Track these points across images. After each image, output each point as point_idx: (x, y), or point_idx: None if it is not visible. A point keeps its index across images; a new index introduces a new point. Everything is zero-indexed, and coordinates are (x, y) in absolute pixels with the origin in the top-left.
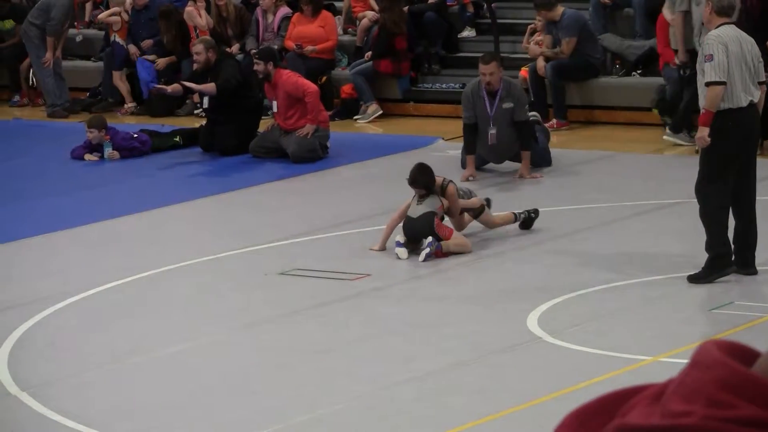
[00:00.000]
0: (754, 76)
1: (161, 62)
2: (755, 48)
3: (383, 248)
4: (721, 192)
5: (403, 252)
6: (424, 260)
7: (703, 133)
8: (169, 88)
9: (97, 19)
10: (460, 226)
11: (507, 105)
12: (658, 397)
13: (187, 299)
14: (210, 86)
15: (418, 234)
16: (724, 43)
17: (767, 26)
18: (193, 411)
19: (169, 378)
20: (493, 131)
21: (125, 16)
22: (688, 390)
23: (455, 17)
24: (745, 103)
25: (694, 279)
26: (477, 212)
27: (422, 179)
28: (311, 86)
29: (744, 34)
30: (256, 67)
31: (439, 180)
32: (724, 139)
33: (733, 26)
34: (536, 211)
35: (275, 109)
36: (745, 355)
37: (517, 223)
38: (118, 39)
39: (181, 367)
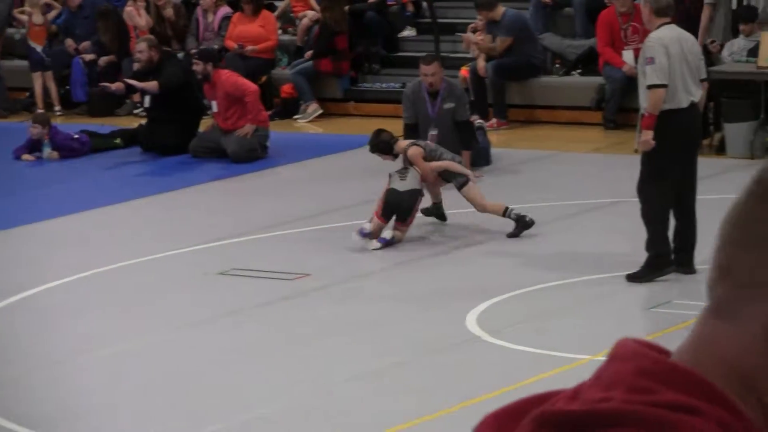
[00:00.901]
0: (696, 75)
1: (103, 60)
2: (696, 46)
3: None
4: (662, 192)
5: (373, 244)
6: (377, 248)
7: (647, 136)
8: (113, 86)
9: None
10: (435, 194)
11: (448, 105)
12: (576, 394)
13: (127, 300)
14: (152, 84)
15: (400, 209)
16: (664, 45)
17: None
18: (135, 411)
19: (111, 378)
20: (434, 132)
21: (38, 19)
22: (608, 380)
23: (396, 17)
24: (686, 104)
25: (633, 278)
26: (460, 183)
27: (374, 141)
28: (251, 86)
29: (685, 33)
30: (195, 68)
31: (403, 144)
32: (665, 139)
33: (673, 26)
34: (532, 220)
35: (215, 109)
36: (660, 351)
37: (509, 220)
38: (30, 42)
39: (123, 367)
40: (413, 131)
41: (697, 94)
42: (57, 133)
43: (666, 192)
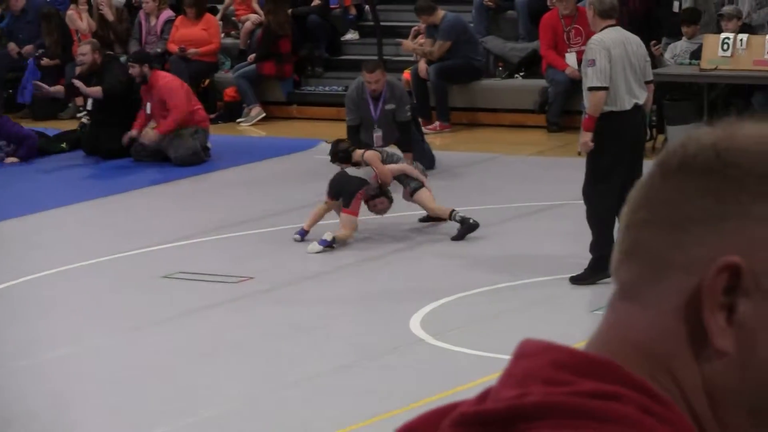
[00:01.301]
0: (640, 77)
1: (45, 62)
2: (641, 48)
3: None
4: (607, 194)
5: (314, 246)
6: (316, 251)
7: (586, 138)
8: (52, 90)
9: None
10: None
11: (390, 107)
12: (485, 396)
13: (70, 303)
14: (96, 90)
15: (344, 190)
16: (606, 48)
17: (650, 27)
18: (80, 414)
19: (55, 382)
20: (378, 133)
21: None
22: (521, 377)
23: (338, 20)
24: (629, 106)
25: (576, 280)
26: (413, 188)
27: (333, 150)
28: (180, 106)
29: (630, 35)
30: (131, 71)
31: (360, 151)
32: (609, 141)
33: (617, 28)
34: (476, 223)
35: (148, 111)
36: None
37: (452, 223)
38: None
39: (67, 370)
40: (356, 133)
41: (642, 96)
42: (7, 121)
43: (610, 194)
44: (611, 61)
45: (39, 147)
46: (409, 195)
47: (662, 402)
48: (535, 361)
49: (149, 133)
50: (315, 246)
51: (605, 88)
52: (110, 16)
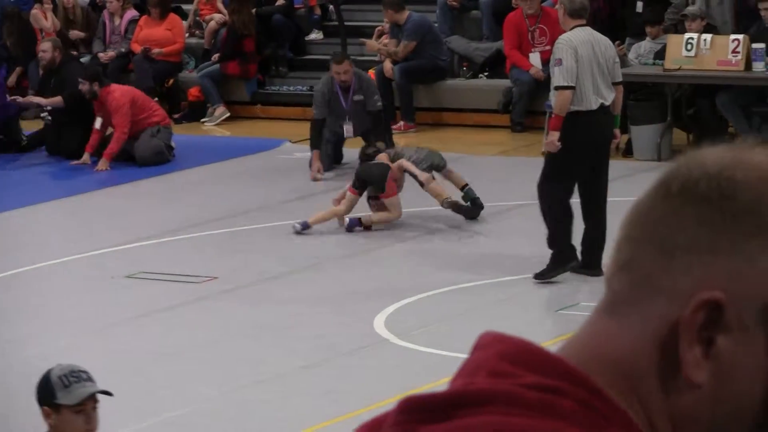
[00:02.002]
0: (608, 78)
1: (13, 77)
2: (610, 50)
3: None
4: (560, 189)
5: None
6: (349, 229)
7: (553, 137)
8: (25, 100)
9: None
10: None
11: (358, 97)
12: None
13: (32, 304)
14: (57, 100)
15: (373, 178)
16: (573, 47)
17: (615, 29)
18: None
19: (18, 383)
20: (349, 126)
21: None
22: (470, 368)
23: (303, 20)
24: (594, 106)
25: (539, 276)
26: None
27: (361, 154)
28: (124, 126)
29: (599, 36)
30: (81, 87)
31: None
32: (573, 140)
33: (586, 28)
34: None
35: (98, 126)
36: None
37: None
38: None
39: (29, 372)
40: (321, 127)
41: (609, 96)
42: None
43: (564, 190)
44: (578, 60)
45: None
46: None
47: (603, 397)
48: (485, 352)
49: (101, 164)
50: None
51: (572, 88)
52: (77, 15)
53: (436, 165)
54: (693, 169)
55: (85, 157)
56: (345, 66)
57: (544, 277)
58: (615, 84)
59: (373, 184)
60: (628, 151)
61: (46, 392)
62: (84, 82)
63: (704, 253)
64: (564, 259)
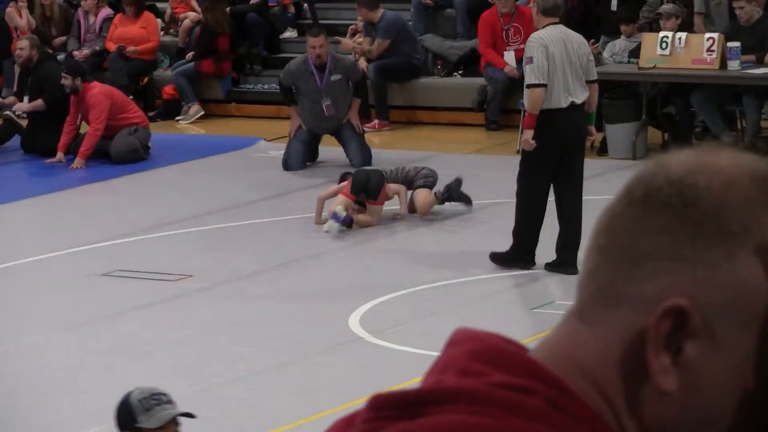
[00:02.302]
0: (581, 76)
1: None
2: (584, 47)
3: (322, 222)
4: (533, 187)
5: (334, 227)
6: (333, 230)
7: (527, 135)
8: (6, 101)
9: None
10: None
11: (335, 77)
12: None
13: (7, 301)
14: (38, 103)
15: (369, 185)
16: (544, 45)
17: (588, 27)
18: (17, 412)
19: None
20: (327, 102)
21: None
22: (441, 365)
23: (277, 18)
24: (564, 104)
25: (495, 258)
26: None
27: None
28: (99, 123)
29: (572, 34)
30: (63, 81)
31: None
32: (543, 138)
33: (559, 26)
34: (457, 182)
35: (76, 122)
36: (500, 339)
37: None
38: None
39: (3, 369)
40: (289, 92)
41: (581, 95)
42: None
43: (536, 188)
44: (549, 58)
45: None
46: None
47: (573, 398)
48: (456, 349)
49: (76, 162)
50: (332, 224)
51: (543, 86)
52: (54, 13)
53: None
54: (656, 175)
55: (59, 155)
56: (320, 40)
57: (498, 262)
58: (589, 82)
59: (369, 192)
60: (603, 150)
61: (127, 416)
62: (67, 76)
63: (668, 260)
64: (518, 258)
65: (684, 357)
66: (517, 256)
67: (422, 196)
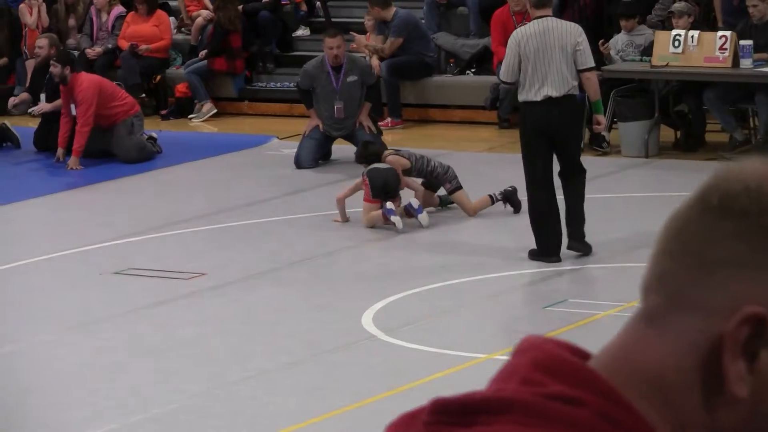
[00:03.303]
0: (570, 67)
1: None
2: (570, 38)
3: (347, 219)
4: (529, 176)
5: (398, 221)
6: (427, 222)
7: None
8: (18, 99)
9: None
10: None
11: (351, 78)
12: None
13: (20, 299)
14: (58, 103)
15: (388, 185)
16: (516, 43)
17: (601, 26)
18: (28, 411)
19: (3, 378)
20: (339, 105)
21: None
22: (506, 373)
23: (289, 16)
24: (538, 98)
25: (531, 253)
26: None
27: (363, 152)
28: (87, 118)
29: (559, 25)
30: (52, 70)
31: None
32: (523, 128)
33: (544, 20)
34: (514, 190)
35: (74, 112)
36: (566, 348)
37: (499, 203)
38: None
39: (15, 367)
40: (308, 95)
41: (562, 87)
42: None
43: (533, 179)
44: (521, 55)
45: None
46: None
47: (626, 409)
48: (521, 358)
49: (72, 162)
50: (425, 217)
51: (510, 84)
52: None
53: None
54: (732, 183)
55: (60, 151)
56: (338, 41)
57: (532, 256)
58: (584, 71)
59: (390, 193)
60: (597, 143)
61: None
62: (56, 65)
63: (743, 268)
64: (541, 253)
65: (759, 364)
66: (538, 254)
67: (465, 198)
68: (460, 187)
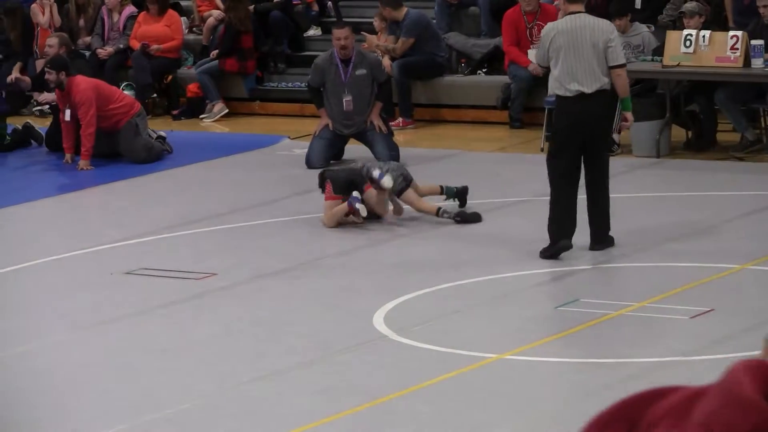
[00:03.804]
0: (601, 63)
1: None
2: (603, 34)
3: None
4: (556, 167)
5: (363, 208)
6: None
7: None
8: (21, 81)
9: None
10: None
11: (360, 72)
12: (681, 415)
13: (32, 300)
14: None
15: (352, 181)
16: (550, 37)
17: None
18: (40, 411)
19: (15, 378)
20: (348, 98)
21: None
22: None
23: (301, 16)
24: (570, 94)
25: (542, 253)
26: (398, 189)
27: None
28: (90, 118)
29: (591, 22)
30: (47, 77)
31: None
32: (558, 122)
33: (577, 16)
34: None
35: (67, 118)
36: None
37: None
38: None
39: (28, 367)
40: (318, 94)
41: (593, 83)
42: None
43: (559, 171)
44: (551, 46)
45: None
46: (397, 197)
47: None
48: (738, 417)
49: (82, 165)
50: (387, 180)
51: (544, 68)
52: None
53: (407, 177)
54: None
55: (67, 157)
56: (345, 32)
57: (544, 254)
58: (614, 67)
59: (357, 185)
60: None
61: None
62: (51, 71)
63: None
64: (555, 241)
65: None
66: (552, 244)
67: (411, 196)
68: (405, 188)
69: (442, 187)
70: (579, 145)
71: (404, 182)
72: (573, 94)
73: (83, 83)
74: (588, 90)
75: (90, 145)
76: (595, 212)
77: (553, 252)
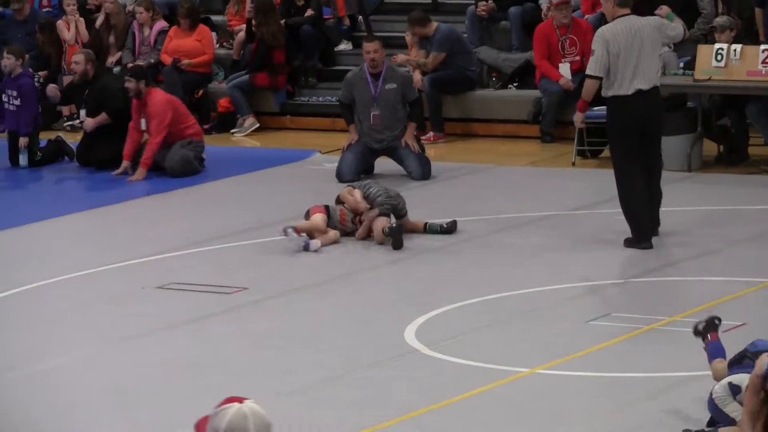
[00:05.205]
0: (654, 61)
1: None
2: (659, 32)
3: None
4: (623, 172)
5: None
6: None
7: (578, 117)
8: (50, 91)
9: None
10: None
11: (390, 86)
12: None
13: (63, 314)
14: (102, 118)
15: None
16: (606, 40)
17: None
18: (70, 426)
19: (45, 393)
20: (376, 112)
21: None
22: None
23: (332, 30)
24: (629, 92)
25: (626, 242)
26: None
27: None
28: (160, 132)
29: (642, 22)
30: (127, 85)
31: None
32: (613, 123)
33: (627, 18)
34: (453, 223)
35: (143, 127)
36: None
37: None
38: None
39: (58, 381)
40: (348, 109)
41: (649, 81)
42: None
43: (626, 173)
44: (609, 52)
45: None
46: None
47: None
48: None
49: (139, 174)
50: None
51: (598, 78)
52: (118, 22)
53: (398, 210)
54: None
55: (125, 164)
56: (375, 45)
57: (627, 243)
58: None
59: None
60: None
61: None
62: (131, 79)
63: None
64: (638, 239)
65: None
66: (634, 241)
67: (378, 226)
68: (386, 214)
69: (426, 224)
70: (639, 141)
71: (387, 209)
72: (633, 92)
73: (160, 95)
74: (645, 87)
75: (151, 154)
76: (654, 204)
77: (634, 245)
